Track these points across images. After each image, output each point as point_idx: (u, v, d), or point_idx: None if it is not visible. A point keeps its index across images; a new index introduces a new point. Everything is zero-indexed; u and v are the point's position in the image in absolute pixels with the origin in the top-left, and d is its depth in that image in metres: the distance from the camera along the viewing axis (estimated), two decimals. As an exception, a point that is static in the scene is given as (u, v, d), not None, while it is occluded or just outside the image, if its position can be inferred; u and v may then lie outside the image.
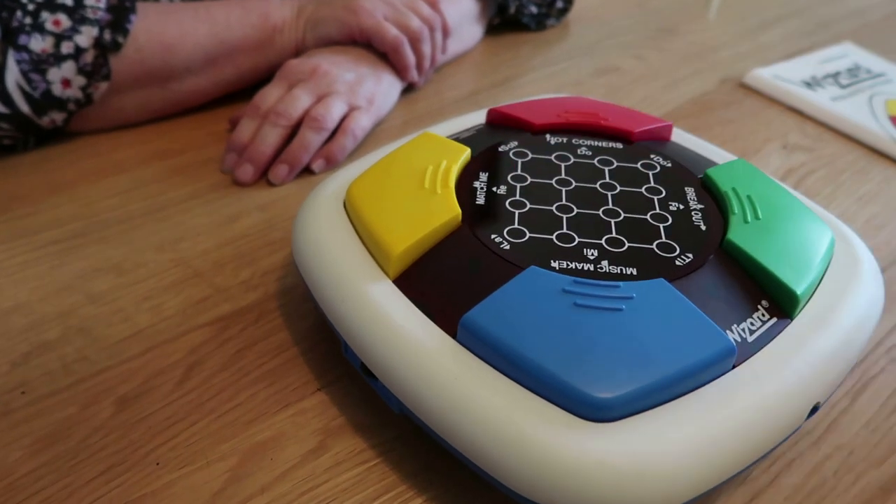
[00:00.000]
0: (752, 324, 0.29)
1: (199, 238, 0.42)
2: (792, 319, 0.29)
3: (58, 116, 0.46)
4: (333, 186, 0.36)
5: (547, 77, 0.62)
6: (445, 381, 0.26)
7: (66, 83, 0.44)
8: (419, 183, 0.33)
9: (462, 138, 0.38)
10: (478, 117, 0.41)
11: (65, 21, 0.44)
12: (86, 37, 0.44)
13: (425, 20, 0.54)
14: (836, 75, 0.63)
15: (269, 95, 0.48)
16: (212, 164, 0.48)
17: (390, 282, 0.30)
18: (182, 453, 0.30)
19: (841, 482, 0.31)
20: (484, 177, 0.34)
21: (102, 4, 0.45)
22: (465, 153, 0.35)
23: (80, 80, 0.45)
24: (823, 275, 0.32)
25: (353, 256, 0.31)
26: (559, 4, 0.70)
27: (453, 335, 0.28)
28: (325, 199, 0.35)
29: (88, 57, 0.44)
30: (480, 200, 0.33)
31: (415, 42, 0.53)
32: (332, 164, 0.48)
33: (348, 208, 0.34)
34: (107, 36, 0.44)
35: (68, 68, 0.44)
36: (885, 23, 0.78)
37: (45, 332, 0.35)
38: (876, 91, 0.61)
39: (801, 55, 0.67)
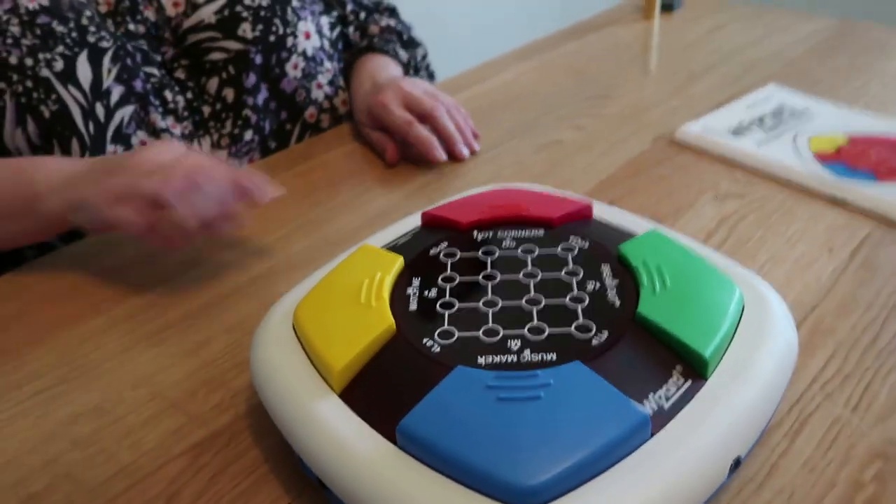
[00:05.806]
0: (667, 390, 0.31)
1: (171, 370, 0.44)
2: (706, 380, 0.32)
3: None
4: (283, 309, 0.39)
5: (489, 160, 0.66)
6: (387, 486, 0.29)
7: None
8: (356, 298, 0.36)
9: (398, 245, 0.41)
10: (414, 220, 0.45)
11: None
12: None
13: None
14: (761, 119, 0.67)
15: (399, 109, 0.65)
16: (182, 290, 0.51)
17: (336, 396, 0.33)
18: (164, 585, 0.32)
19: (782, 525, 0.33)
20: (416, 282, 0.38)
21: None
22: (398, 262, 0.39)
23: None
24: (734, 333, 0.34)
25: (303, 375, 0.34)
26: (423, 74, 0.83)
27: (394, 441, 0.30)
28: (276, 323, 0.38)
29: None
30: (413, 306, 0.36)
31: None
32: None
33: (296, 329, 0.37)
34: None
35: None
36: (805, 58, 0.82)
37: (33, 485, 0.38)
38: (799, 130, 0.65)
39: (730, 101, 0.72)
